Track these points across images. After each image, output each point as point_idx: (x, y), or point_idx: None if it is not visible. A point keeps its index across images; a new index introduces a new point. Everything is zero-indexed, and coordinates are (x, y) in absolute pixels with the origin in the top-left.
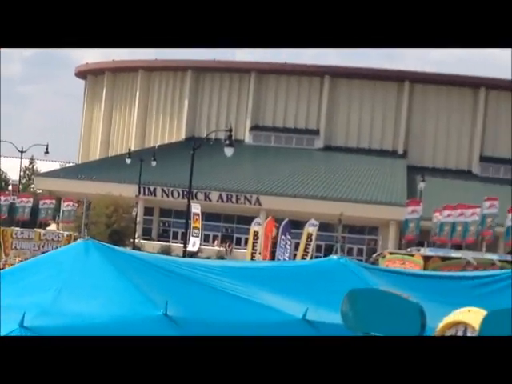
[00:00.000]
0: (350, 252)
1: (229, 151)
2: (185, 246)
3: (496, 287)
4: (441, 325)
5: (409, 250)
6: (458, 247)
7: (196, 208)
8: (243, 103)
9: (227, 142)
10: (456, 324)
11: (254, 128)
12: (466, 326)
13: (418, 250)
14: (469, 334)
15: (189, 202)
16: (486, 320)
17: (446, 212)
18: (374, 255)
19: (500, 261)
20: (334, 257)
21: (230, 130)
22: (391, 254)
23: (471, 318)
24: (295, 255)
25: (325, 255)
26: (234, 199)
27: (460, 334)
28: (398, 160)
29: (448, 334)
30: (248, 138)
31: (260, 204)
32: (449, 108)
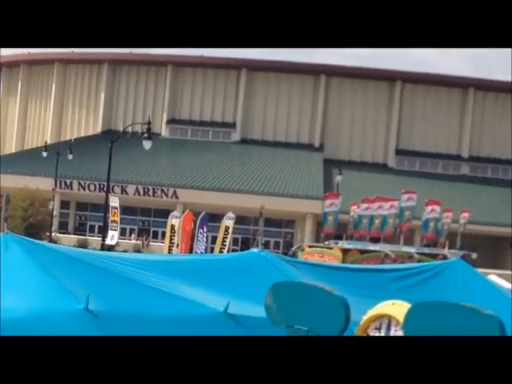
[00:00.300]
0: (266, 245)
1: (147, 144)
2: (103, 240)
3: (415, 280)
4: (365, 318)
5: (327, 243)
6: (376, 240)
7: (114, 201)
8: (160, 96)
9: (145, 135)
10: (380, 317)
11: (171, 121)
12: (390, 318)
13: (336, 243)
14: (393, 327)
15: (107, 195)
16: (410, 313)
17: (365, 205)
18: (293, 248)
19: (418, 253)
20: (254, 250)
21: (149, 123)
22: (310, 247)
23: (395, 310)
24: (212, 248)
25: (241, 248)
26: (150, 192)
27: (384, 326)
28: (315, 153)
29: (372, 326)
30: (164, 131)
31: (177, 197)
32: (365, 101)
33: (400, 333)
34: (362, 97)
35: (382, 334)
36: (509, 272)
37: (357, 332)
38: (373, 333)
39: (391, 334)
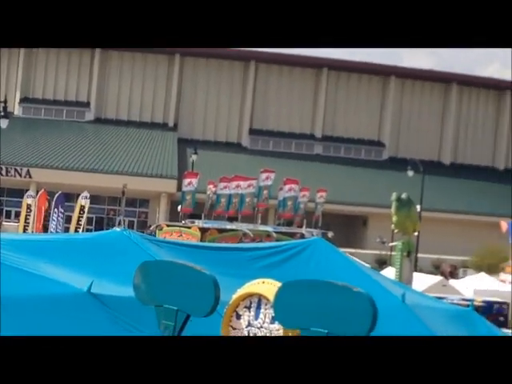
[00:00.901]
0: (119, 225)
1: (4, 123)
2: None
3: (278, 258)
4: (235, 297)
5: (184, 222)
6: (234, 219)
7: None
8: (12, 75)
9: (2, 113)
10: (250, 295)
11: (24, 100)
12: (260, 297)
13: (193, 222)
14: (263, 306)
15: None
16: (281, 291)
17: (222, 184)
18: (151, 227)
19: (276, 232)
20: (117, 229)
21: (5, 102)
22: (168, 226)
23: (265, 289)
24: (67, 228)
25: (95, 228)
26: (3, 172)
27: (254, 305)
28: (169, 132)
29: (242, 305)
30: (18, 110)
31: (30, 176)
32: (218, 81)
33: (270, 311)
34: (216, 77)
35: (252, 313)
36: (362, 250)
37: (226, 311)
38: (242, 311)
39: (261, 313)
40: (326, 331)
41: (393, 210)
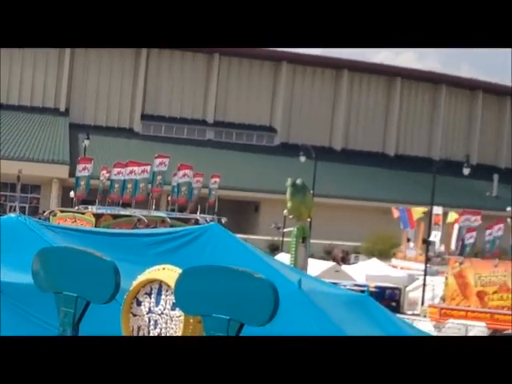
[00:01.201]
0: (12, 211)
1: None
2: None
3: (174, 244)
4: (135, 283)
5: (77, 208)
6: (128, 205)
7: None
8: None
9: None
10: (150, 282)
11: None
12: (160, 283)
13: (87, 208)
14: (164, 292)
15: None
16: (182, 277)
17: (116, 169)
18: (44, 213)
19: (170, 218)
20: (12, 215)
21: None
22: (62, 211)
23: (166, 275)
24: None
25: None
26: None
27: (155, 291)
28: (60, 118)
29: (143, 291)
30: None
31: None
32: (110, 66)
33: (171, 298)
34: (108, 62)
35: (153, 300)
36: (254, 236)
37: (126, 298)
38: (143, 298)
39: (162, 299)
40: (228, 317)
41: (288, 195)
